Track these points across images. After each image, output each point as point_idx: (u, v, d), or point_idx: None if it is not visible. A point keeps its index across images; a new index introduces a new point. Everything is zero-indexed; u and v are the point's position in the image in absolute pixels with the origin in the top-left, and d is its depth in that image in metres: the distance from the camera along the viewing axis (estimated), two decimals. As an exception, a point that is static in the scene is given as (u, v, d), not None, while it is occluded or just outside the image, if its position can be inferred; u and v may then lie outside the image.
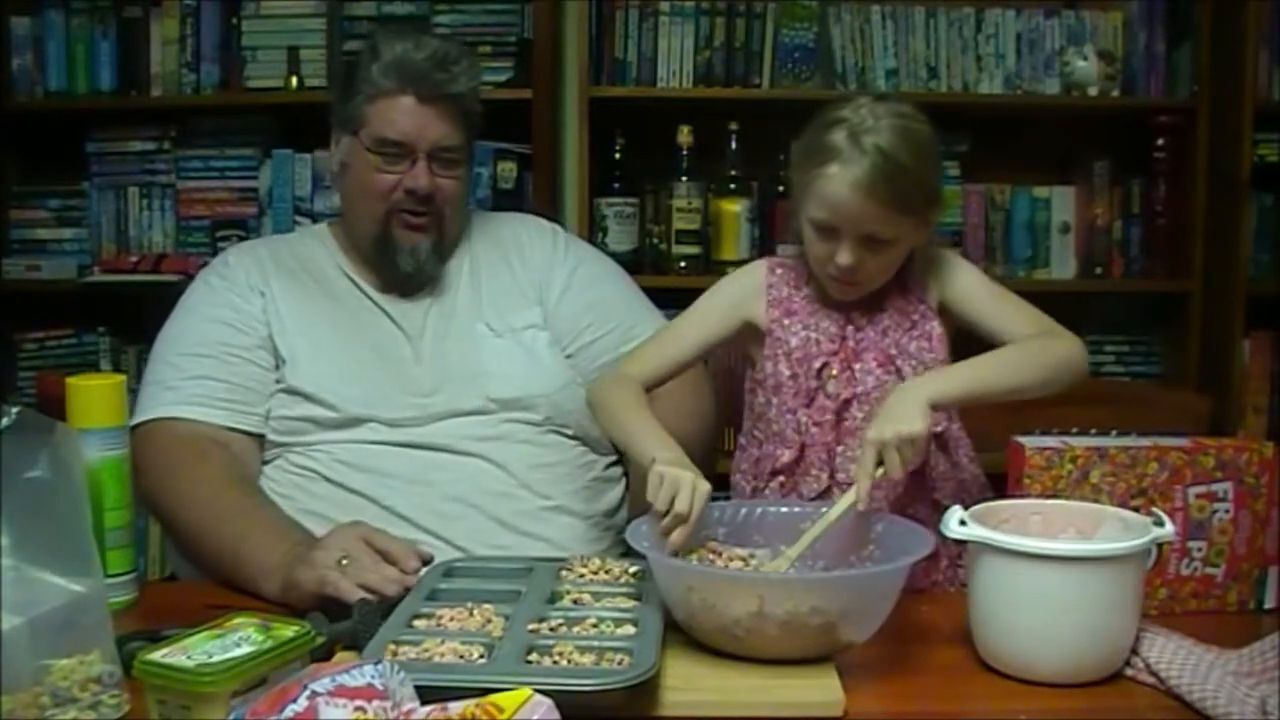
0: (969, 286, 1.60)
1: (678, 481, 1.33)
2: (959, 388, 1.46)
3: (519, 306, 1.82)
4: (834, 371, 1.57)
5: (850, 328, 1.59)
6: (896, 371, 1.56)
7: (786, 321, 1.60)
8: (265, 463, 1.70)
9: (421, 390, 1.71)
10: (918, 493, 1.57)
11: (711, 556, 1.34)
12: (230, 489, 1.59)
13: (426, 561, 1.41)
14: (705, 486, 1.34)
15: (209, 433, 1.66)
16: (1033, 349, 1.52)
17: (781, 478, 1.59)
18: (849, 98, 1.55)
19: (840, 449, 1.57)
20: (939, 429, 1.55)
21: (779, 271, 1.64)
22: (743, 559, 1.34)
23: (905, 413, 1.38)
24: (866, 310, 1.59)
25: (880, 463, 1.36)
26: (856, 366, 1.57)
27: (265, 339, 1.73)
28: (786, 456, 1.58)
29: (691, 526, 1.32)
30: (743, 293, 1.64)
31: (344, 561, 1.37)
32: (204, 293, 1.78)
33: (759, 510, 1.42)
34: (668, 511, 1.32)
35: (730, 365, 1.98)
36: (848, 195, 1.47)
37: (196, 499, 1.58)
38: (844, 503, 1.37)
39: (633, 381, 1.58)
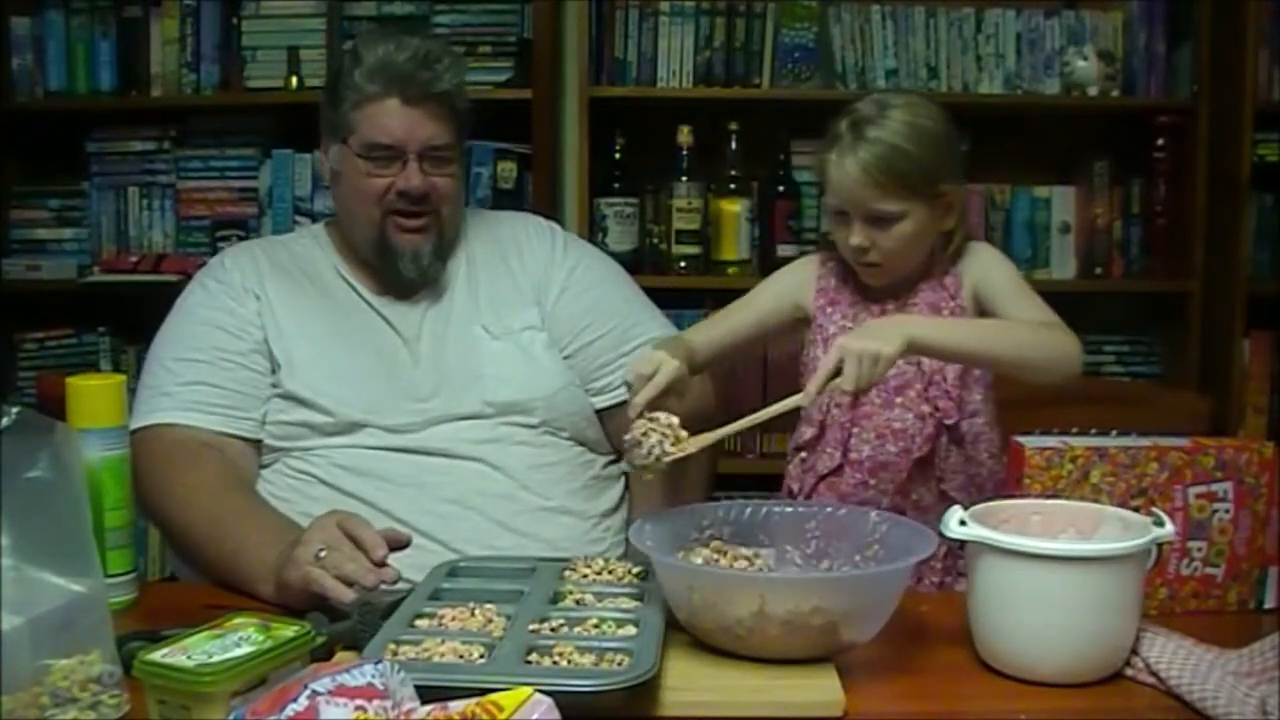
0: (989, 274, 1.65)
1: (647, 356, 1.46)
2: (943, 335, 1.50)
3: (517, 307, 1.81)
4: None
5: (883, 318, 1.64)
6: (917, 363, 1.61)
7: (829, 310, 1.68)
8: (263, 467, 1.70)
9: (419, 395, 1.71)
10: (922, 479, 1.62)
11: (716, 556, 1.34)
12: (226, 493, 1.59)
13: (400, 546, 1.39)
14: (673, 361, 1.44)
15: (204, 438, 1.66)
16: (1027, 328, 1.56)
17: (803, 454, 1.67)
18: (869, 94, 1.66)
19: (856, 430, 1.63)
20: (949, 421, 1.61)
21: (829, 264, 1.71)
22: (748, 559, 1.35)
23: (880, 333, 1.43)
24: (901, 303, 1.65)
25: (839, 374, 1.40)
26: None
27: (260, 343, 1.73)
28: (808, 434, 1.66)
29: (653, 386, 1.41)
30: (795, 282, 1.73)
31: (321, 553, 1.36)
32: (200, 296, 1.78)
33: (763, 509, 1.42)
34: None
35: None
36: (844, 177, 1.58)
37: (192, 504, 1.58)
38: (790, 400, 1.43)
39: (677, 338, 1.65)
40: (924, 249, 1.63)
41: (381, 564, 1.36)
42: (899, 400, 1.62)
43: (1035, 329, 1.56)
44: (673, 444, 1.37)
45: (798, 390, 1.44)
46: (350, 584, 1.33)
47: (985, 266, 1.66)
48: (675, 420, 1.39)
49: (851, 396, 1.61)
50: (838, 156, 1.58)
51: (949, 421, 1.61)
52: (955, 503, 1.54)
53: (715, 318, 1.75)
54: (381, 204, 1.73)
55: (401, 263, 1.75)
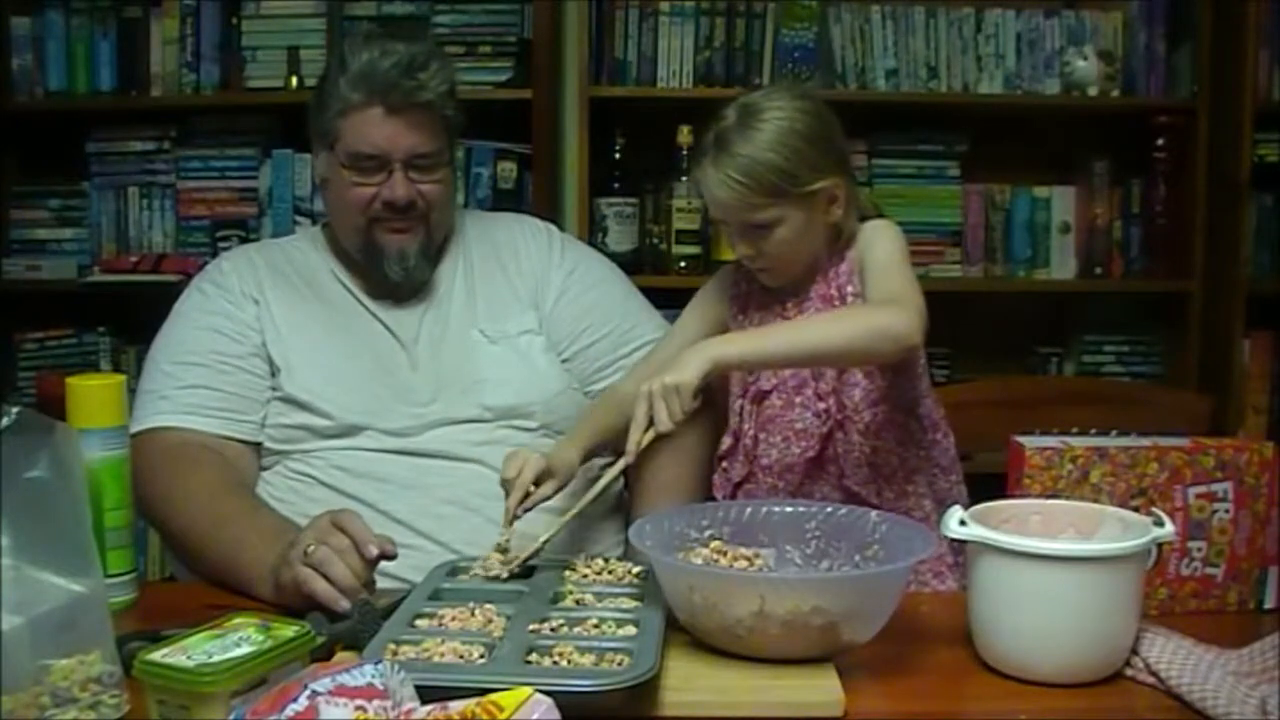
0: (867, 252, 1.60)
1: (513, 455, 1.51)
2: (746, 347, 1.50)
3: (514, 311, 1.81)
4: None
5: (780, 320, 1.65)
6: None
7: (741, 317, 1.69)
8: (263, 469, 1.70)
9: (418, 399, 1.71)
10: (822, 477, 1.62)
11: (716, 556, 1.34)
12: (225, 495, 1.59)
13: (387, 557, 1.37)
14: (535, 458, 1.50)
15: (203, 441, 1.66)
16: (846, 315, 1.55)
17: (725, 463, 1.67)
18: (741, 95, 1.65)
19: (763, 436, 1.63)
20: (838, 417, 1.60)
21: (742, 270, 1.70)
22: (748, 559, 1.34)
23: (679, 364, 1.43)
24: (799, 302, 1.64)
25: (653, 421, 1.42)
26: None
27: (259, 346, 1.73)
28: (726, 444, 1.67)
29: (517, 491, 1.48)
30: (712, 297, 1.73)
31: (310, 549, 1.35)
32: (197, 300, 1.78)
33: (763, 510, 1.42)
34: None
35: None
36: (710, 193, 1.58)
37: (192, 506, 1.58)
38: (618, 465, 1.46)
39: (612, 392, 1.70)
40: (814, 243, 1.61)
41: (373, 561, 1.35)
42: (799, 400, 1.62)
43: (850, 314, 1.54)
44: (516, 557, 1.41)
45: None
46: (340, 588, 1.33)
47: (867, 245, 1.61)
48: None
49: (753, 405, 1.63)
50: (701, 172, 1.58)
51: (838, 417, 1.60)
52: (859, 496, 1.55)
53: (649, 355, 1.75)
54: (367, 212, 1.72)
55: (387, 264, 1.74)
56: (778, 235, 1.57)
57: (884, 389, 1.60)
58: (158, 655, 1.06)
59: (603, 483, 1.48)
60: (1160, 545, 1.22)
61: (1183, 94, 2.87)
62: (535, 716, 0.92)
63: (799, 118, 1.57)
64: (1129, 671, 1.21)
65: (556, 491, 1.54)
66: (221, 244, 2.86)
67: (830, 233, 1.62)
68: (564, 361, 1.81)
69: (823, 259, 1.63)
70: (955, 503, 1.39)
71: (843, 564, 1.36)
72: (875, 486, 1.60)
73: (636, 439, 1.42)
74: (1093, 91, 2.84)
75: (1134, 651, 1.21)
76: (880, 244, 1.60)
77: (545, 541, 1.43)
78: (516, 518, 1.48)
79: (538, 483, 1.51)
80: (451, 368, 1.74)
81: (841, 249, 1.63)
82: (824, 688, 1.14)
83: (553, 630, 1.20)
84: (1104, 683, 1.20)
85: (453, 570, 1.41)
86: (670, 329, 1.78)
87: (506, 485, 1.49)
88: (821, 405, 1.60)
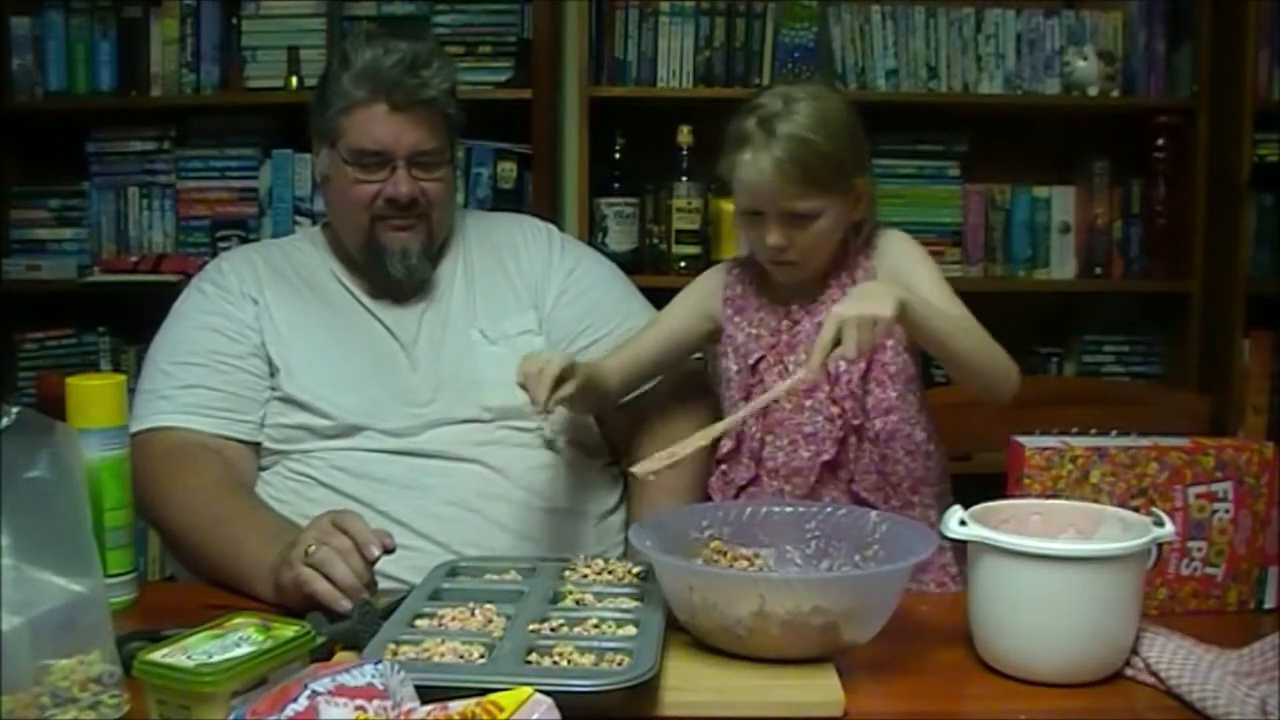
0: (910, 270, 1.60)
1: (530, 355, 1.52)
2: (924, 309, 1.47)
3: (513, 311, 1.81)
4: (769, 365, 1.63)
5: (786, 322, 1.64)
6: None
7: (737, 319, 1.67)
8: (263, 469, 1.70)
9: (417, 400, 1.71)
10: (832, 481, 1.61)
11: (716, 557, 1.34)
12: (224, 495, 1.59)
13: (386, 551, 1.38)
14: (559, 358, 1.50)
15: (203, 440, 1.66)
16: (990, 341, 1.54)
17: (724, 466, 1.66)
18: (770, 87, 1.64)
19: (769, 439, 1.62)
20: (855, 422, 1.59)
21: (736, 271, 1.70)
22: (748, 559, 1.35)
23: (874, 296, 1.42)
24: (806, 303, 1.63)
25: (839, 342, 1.39)
26: (790, 360, 1.62)
27: (258, 346, 1.73)
28: (727, 447, 1.65)
29: (546, 381, 1.47)
30: (703, 293, 1.71)
31: (311, 549, 1.35)
32: (197, 300, 1.78)
33: (763, 510, 1.42)
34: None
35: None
36: (759, 177, 1.54)
37: (191, 506, 1.58)
38: (795, 377, 1.45)
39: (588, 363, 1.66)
40: (837, 242, 1.61)
41: (374, 561, 1.35)
42: (809, 403, 1.61)
43: (996, 346, 1.54)
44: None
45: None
46: (342, 589, 1.33)
47: (900, 259, 1.61)
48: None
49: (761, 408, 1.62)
50: (751, 155, 1.55)
51: (855, 422, 1.59)
52: (867, 504, 1.55)
53: (626, 340, 1.74)
54: (370, 210, 1.72)
55: (390, 262, 1.74)
56: (816, 227, 1.56)
57: (894, 399, 1.60)
58: (158, 655, 1.06)
59: (778, 390, 1.48)
60: (1160, 545, 1.23)
61: (1183, 94, 2.87)
62: (535, 716, 0.92)
63: (842, 109, 1.59)
64: (1129, 671, 1.21)
65: (574, 389, 1.52)
66: (221, 244, 2.86)
67: (849, 234, 1.62)
68: (563, 361, 1.81)
69: (837, 261, 1.62)
70: None
71: (843, 564, 1.37)
72: (884, 494, 1.60)
73: (820, 358, 1.39)
74: (1093, 91, 2.84)
75: (1134, 651, 1.21)
76: (924, 264, 1.61)
77: (699, 446, 1.44)
78: (549, 411, 1.49)
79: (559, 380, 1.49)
80: (451, 368, 1.74)
81: (855, 254, 1.63)
82: (824, 688, 1.14)
83: (553, 630, 1.20)
84: (1104, 683, 1.20)
85: (453, 570, 1.41)
86: (656, 316, 1.77)
87: (530, 382, 1.48)
88: (835, 409, 1.59)
